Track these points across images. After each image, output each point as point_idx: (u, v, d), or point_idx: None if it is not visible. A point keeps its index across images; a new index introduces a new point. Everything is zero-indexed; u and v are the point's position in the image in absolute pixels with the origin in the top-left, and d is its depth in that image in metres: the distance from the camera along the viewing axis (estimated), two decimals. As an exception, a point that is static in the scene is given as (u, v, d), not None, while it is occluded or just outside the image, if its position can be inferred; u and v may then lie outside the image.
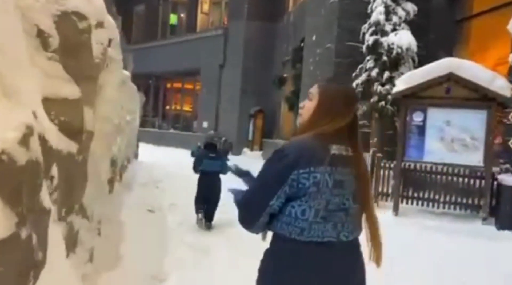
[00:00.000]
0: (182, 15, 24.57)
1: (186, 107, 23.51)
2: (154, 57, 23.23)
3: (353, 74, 9.24)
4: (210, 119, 20.51)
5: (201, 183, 6.54)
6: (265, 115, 18.91)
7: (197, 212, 6.34)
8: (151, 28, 24.96)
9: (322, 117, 1.73)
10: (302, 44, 13.37)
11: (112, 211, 6.40)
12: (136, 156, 14.90)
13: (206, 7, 23.23)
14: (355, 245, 1.75)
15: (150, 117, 25.10)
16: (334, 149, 1.67)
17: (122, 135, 8.81)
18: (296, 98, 13.91)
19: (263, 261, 1.74)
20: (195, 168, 6.62)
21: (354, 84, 9.14)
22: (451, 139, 7.23)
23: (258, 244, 1.90)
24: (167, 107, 24.68)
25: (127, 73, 8.09)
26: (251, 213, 1.72)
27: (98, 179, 4.24)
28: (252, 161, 18.64)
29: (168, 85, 24.62)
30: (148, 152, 18.51)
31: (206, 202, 6.34)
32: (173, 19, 25.21)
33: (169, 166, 13.41)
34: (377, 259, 1.76)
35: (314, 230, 1.64)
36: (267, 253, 1.74)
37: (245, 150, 19.10)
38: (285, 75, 15.17)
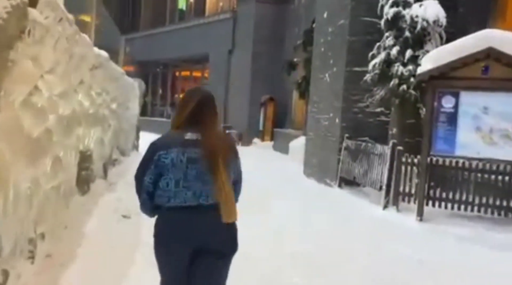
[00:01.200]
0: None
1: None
2: (162, 43, 22.13)
3: (370, 54, 7.91)
4: (219, 108, 19.31)
5: None
6: (276, 104, 17.64)
7: None
8: (159, 14, 23.83)
9: (178, 115, 2.37)
10: (313, 25, 12.01)
11: (75, 218, 5.28)
12: (136, 147, 13.83)
13: (215, -10, 21.94)
14: (216, 208, 2.19)
15: (158, 106, 24.10)
16: (188, 136, 2.26)
17: (103, 125, 7.70)
18: (307, 85, 12.60)
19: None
20: None
21: (370, 66, 7.82)
22: (490, 129, 5.90)
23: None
24: (176, 96, 23.58)
25: (104, 54, 6.93)
26: (137, 191, 2.41)
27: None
28: (262, 152, 17.53)
29: (177, 73, 23.50)
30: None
31: None
32: (181, 3, 24.01)
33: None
34: (225, 216, 2.19)
35: (178, 197, 2.21)
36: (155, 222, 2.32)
37: (256, 140, 17.90)
38: (295, 59, 13.84)
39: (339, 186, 8.61)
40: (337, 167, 8.67)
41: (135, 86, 12.97)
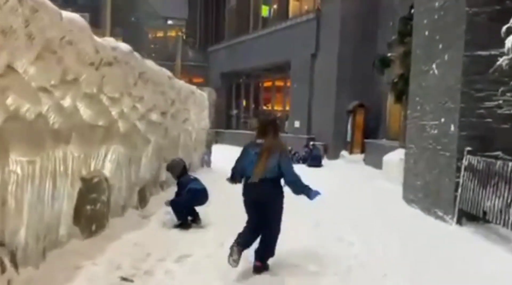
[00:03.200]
0: (274, 5, 21.47)
1: (278, 107, 20.29)
2: (244, 53, 20.48)
3: (503, 29, 5.11)
4: (302, 118, 17.01)
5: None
6: (366, 111, 14.89)
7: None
8: (242, 23, 22.27)
9: (256, 131, 4.21)
10: (412, 11, 9.28)
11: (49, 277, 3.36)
12: (207, 163, 12.02)
13: (298, -7, 19.80)
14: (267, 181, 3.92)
15: (242, 118, 22.50)
16: (258, 141, 4.01)
17: (129, 141, 5.80)
18: (405, 84, 9.81)
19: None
20: None
21: (506, 46, 5.03)
22: None
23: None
24: (258, 107, 21.72)
25: (123, 47, 5.04)
26: (232, 169, 4.30)
27: None
28: (351, 167, 14.78)
29: (259, 84, 21.65)
30: (232, 157, 15.65)
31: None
32: (264, 10, 22.22)
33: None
34: (252, 178, 3.96)
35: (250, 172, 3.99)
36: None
37: (344, 153, 15.25)
38: (390, 55, 11.07)
39: (458, 222, 5.80)
40: (453, 194, 5.88)
41: (204, 97, 11.19)
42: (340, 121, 15.33)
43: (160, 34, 27.85)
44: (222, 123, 22.83)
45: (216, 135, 22.26)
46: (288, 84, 18.82)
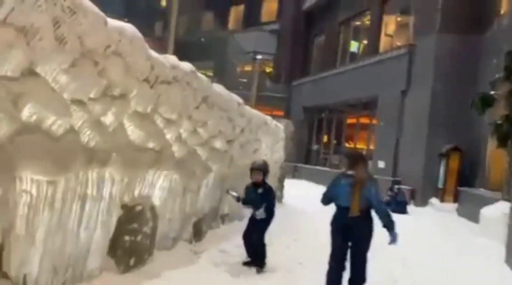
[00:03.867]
0: (364, 41, 20.66)
1: (361, 144, 19.07)
2: (328, 87, 19.77)
3: None
4: (387, 159, 15.66)
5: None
6: (462, 155, 13.22)
7: None
8: (329, 57, 21.71)
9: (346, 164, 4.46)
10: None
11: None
12: (279, 198, 11.29)
13: (391, 28, 18.82)
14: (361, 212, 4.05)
15: (321, 154, 21.57)
16: (349, 172, 4.16)
17: (185, 167, 5.27)
18: (508, 126, 8.38)
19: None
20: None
21: None
22: None
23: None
24: (340, 143, 20.64)
25: (185, 67, 4.62)
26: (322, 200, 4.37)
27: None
28: (441, 217, 13.04)
29: (342, 119, 20.66)
30: (307, 194, 14.87)
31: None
32: (353, 45, 21.49)
33: (316, 216, 9.46)
34: (350, 213, 4.01)
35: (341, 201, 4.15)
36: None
37: (433, 200, 13.60)
38: (493, 93, 9.63)
39: None
40: None
41: (280, 128, 10.63)
42: (431, 165, 13.78)
43: (248, 68, 28.26)
44: (301, 158, 22.07)
45: (294, 170, 21.54)
46: (374, 121, 17.63)
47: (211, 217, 6.24)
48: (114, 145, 3.51)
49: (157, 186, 4.42)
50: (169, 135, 4.48)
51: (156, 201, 4.46)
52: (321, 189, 15.95)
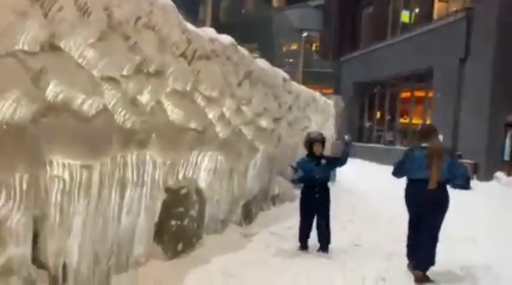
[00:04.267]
0: (416, 9, 19.33)
1: (416, 120, 18.01)
2: (379, 61, 18.77)
3: None
4: (446, 132, 14.61)
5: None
6: (531, 125, 12.05)
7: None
8: (379, 30, 20.56)
9: (418, 136, 4.25)
10: None
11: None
12: (333, 177, 10.85)
13: (446, -6, 17.44)
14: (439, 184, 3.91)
15: (375, 131, 20.69)
16: (423, 144, 3.99)
17: (229, 147, 4.97)
18: None
19: None
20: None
21: None
22: None
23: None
24: (394, 119, 19.64)
25: (226, 40, 4.30)
26: (394, 171, 4.25)
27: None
28: (508, 191, 12.05)
29: (395, 94, 19.60)
30: (360, 173, 14.33)
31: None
32: (405, 16, 20.17)
33: (371, 195, 9.02)
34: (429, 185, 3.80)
35: (416, 174, 3.96)
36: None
37: (499, 174, 12.55)
38: None
39: None
40: None
41: (330, 105, 10.13)
42: (495, 137, 12.70)
43: (294, 47, 27.57)
44: (354, 136, 21.31)
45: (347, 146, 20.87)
46: (430, 94, 16.53)
47: (261, 198, 5.97)
48: (152, 125, 3.27)
49: (202, 168, 4.19)
50: (211, 115, 4.21)
51: (202, 183, 4.23)
52: (375, 167, 15.40)
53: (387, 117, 20.08)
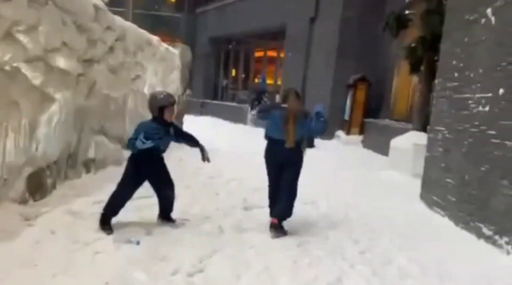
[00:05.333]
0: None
1: (269, 80, 17.82)
2: (235, 15, 17.79)
3: None
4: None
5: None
6: (369, 86, 12.52)
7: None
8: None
9: (282, 97, 4.18)
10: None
11: None
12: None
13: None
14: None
15: (230, 89, 20.08)
16: (283, 105, 4.00)
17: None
18: (425, 50, 7.48)
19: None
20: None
21: None
22: None
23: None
24: (248, 78, 19.22)
25: None
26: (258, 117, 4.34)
27: None
28: (348, 149, 12.50)
29: (250, 52, 19.08)
30: (213, 131, 13.44)
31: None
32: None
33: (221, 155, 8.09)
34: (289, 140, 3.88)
35: (274, 133, 3.99)
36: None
37: (339, 133, 12.95)
38: (408, 12, 8.61)
39: (524, 250, 3.60)
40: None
41: (174, 54, 8.79)
42: (338, 97, 12.95)
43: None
44: (209, 94, 20.42)
45: (201, 106, 19.89)
46: (282, 55, 16.29)
47: (66, 164, 4.49)
48: None
49: None
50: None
51: None
52: (229, 126, 14.58)
53: (242, 75, 19.55)
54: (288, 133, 3.83)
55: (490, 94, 4.23)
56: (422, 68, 7.90)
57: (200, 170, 6.83)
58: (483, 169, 4.20)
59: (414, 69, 7.93)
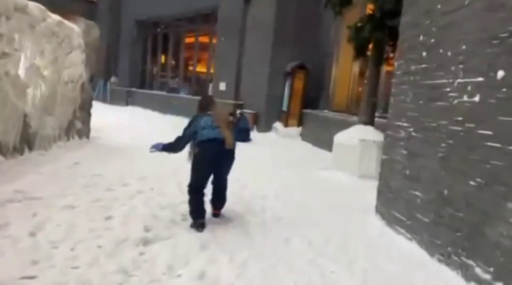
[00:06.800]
0: None
1: (201, 67, 16.09)
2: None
3: None
4: (229, 80, 13.06)
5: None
6: (308, 74, 11.29)
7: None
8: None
9: (200, 106, 4.19)
10: None
11: None
12: (85, 133, 7.82)
13: None
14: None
15: (158, 76, 18.09)
16: (208, 112, 4.05)
17: None
18: (374, 29, 6.25)
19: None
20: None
21: None
22: None
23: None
24: (175, 63, 17.32)
25: None
26: (178, 140, 3.98)
27: None
28: (287, 143, 10.96)
29: (180, 37, 17.16)
30: (137, 123, 11.64)
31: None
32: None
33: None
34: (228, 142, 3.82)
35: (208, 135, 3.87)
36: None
37: (277, 125, 11.63)
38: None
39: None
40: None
41: (73, 31, 6.87)
42: (275, 86, 11.60)
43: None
44: (136, 82, 18.26)
45: (128, 95, 17.71)
46: (214, 41, 14.62)
47: None
48: None
49: None
50: None
51: None
52: (158, 117, 12.51)
53: (172, 62, 17.60)
54: (226, 135, 3.85)
55: (480, 79, 2.96)
56: (368, 52, 6.69)
57: (99, 178, 5.14)
58: (472, 183, 2.93)
59: (359, 53, 6.68)
